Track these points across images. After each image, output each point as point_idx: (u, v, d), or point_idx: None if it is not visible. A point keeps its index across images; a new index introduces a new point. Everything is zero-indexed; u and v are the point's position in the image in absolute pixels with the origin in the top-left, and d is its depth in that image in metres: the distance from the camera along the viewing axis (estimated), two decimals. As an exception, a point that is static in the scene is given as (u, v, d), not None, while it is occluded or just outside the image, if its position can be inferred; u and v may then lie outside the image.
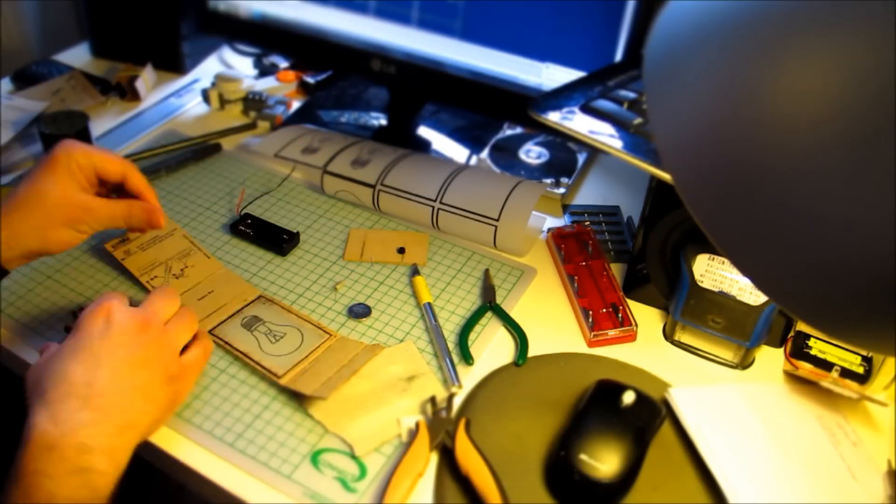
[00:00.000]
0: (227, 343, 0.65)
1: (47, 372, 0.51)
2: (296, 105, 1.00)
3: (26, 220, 0.60)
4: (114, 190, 0.66)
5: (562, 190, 0.86)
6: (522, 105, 0.65)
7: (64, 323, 0.67)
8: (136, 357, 0.53)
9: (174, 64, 1.06)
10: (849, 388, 0.60)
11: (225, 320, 0.67)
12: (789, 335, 0.65)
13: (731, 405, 0.61)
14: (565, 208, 0.85)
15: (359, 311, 0.69)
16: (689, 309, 0.66)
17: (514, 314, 0.70)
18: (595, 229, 0.79)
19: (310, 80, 1.04)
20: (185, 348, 0.58)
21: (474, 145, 0.93)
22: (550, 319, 0.70)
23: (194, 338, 0.59)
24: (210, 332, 0.66)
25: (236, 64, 1.11)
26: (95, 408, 0.50)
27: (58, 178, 0.61)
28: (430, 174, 0.80)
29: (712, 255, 0.65)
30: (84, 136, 0.85)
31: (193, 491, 0.58)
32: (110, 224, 0.64)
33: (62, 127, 0.83)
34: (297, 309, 0.69)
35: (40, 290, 0.70)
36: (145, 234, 0.74)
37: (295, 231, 0.77)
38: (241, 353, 0.64)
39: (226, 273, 0.72)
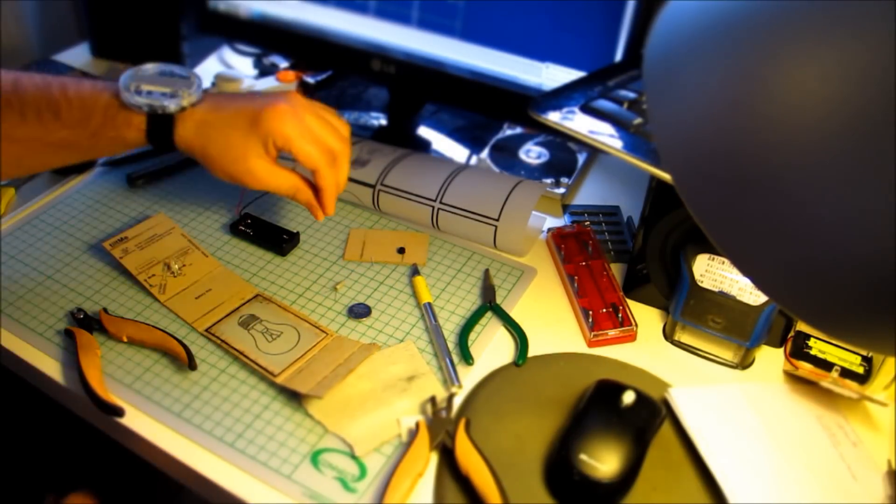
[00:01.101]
0: (223, 341, 0.65)
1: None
2: (296, 105, 1.00)
3: (205, 145, 0.64)
4: None
5: (562, 190, 0.86)
6: (522, 105, 0.65)
7: (64, 323, 0.67)
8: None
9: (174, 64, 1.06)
10: (849, 388, 0.60)
11: (222, 319, 0.67)
12: (789, 335, 0.65)
13: (731, 405, 0.61)
14: (565, 208, 0.85)
15: (359, 311, 0.69)
16: (689, 309, 0.66)
17: (514, 314, 0.70)
18: (595, 229, 0.79)
19: (310, 80, 1.04)
20: None
21: (474, 145, 0.93)
22: (550, 319, 0.70)
23: None
24: (207, 330, 0.66)
25: (236, 64, 1.11)
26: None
27: (251, 140, 0.63)
28: (430, 174, 0.80)
29: (712, 255, 0.65)
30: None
31: (193, 491, 0.58)
32: (275, 192, 0.67)
33: (62, 127, 0.83)
34: (294, 308, 0.69)
35: (40, 290, 0.70)
36: (143, 233, 0.74)
37: (295, 231, 0.77)
38: (237, 351, 0.64)
39: (224, 272, 0.72)
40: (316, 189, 0.67)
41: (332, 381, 0.60)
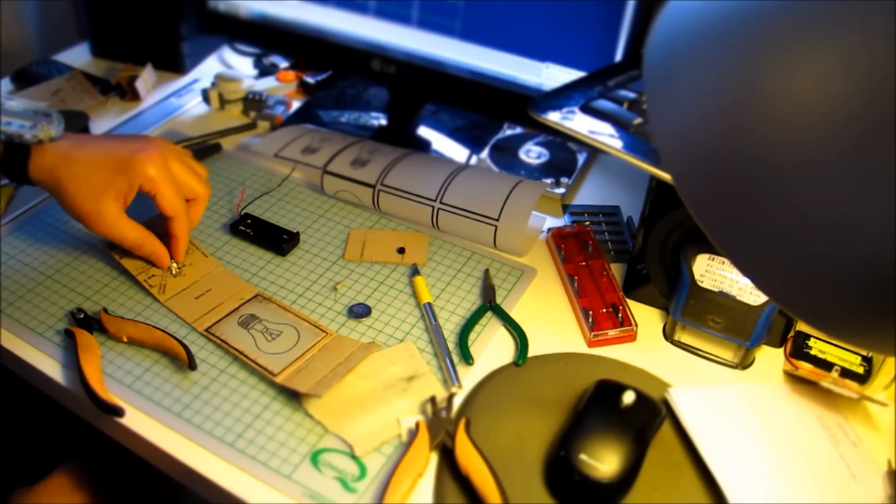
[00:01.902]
0: (223, 341, 0.65)
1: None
2: (296, 105, 1.00)
3: (63, 177, 0.65)
4: None
5: (562, 190, 0.86)
6: (522, 105, 0.65)
7: (64, 323, 0.67)
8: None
9: (174, 64, 1.06)
10: (849, 388, 0.60)
11: (222, 318, 0.67)
12: (789, 335, 0.65)
13: (731, 405, 0.61)
14: (565, 208, 0.85)
15: (359, 311, 0.69)
16: (689, 309, 0.66)
17: (514, 314, 0.70)
18: (595, 229, 0.79)
19: (310, 80, 1.04)
20: None
21: (474, 145, 0.93)
22: (550, 319, 0.70)
23: None
24: (207, 330, 0.66)
25: (236, 64, 1.11)
26: None
27: (115, 180, 0.65)
28: (430, 174, 0.80)
29: (712, 255, 0.65)
30: (84, 136, 0.84)
31: (193, 491, 0.58)
32: (118, 242, 0.68)
33: (62, 127, 0.83)
34: (293, 307, 0.69)
35: (40, 290, 0.70)
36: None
37: (295, 231, 0.77)
38: (237, 350, 0.64)
39: (224, 272, 0.72)
40: (166, 238, 0.70)
41: (332, 381, 0.60)
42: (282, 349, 0.64)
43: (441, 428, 0.57)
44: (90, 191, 0.64)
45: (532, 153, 0.92)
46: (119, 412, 0.58)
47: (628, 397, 0.57)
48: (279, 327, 0.66)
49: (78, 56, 1.09)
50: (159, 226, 0.70)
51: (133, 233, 0.67)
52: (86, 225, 0.66)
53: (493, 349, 0.67)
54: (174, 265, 0.71)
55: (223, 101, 0.98)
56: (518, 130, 0.96)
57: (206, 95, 0.99)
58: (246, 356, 0.63)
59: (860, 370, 0.62)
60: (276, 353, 0.64)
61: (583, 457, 0.54)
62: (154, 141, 0.68)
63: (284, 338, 0.65)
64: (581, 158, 0.91)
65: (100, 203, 0.65)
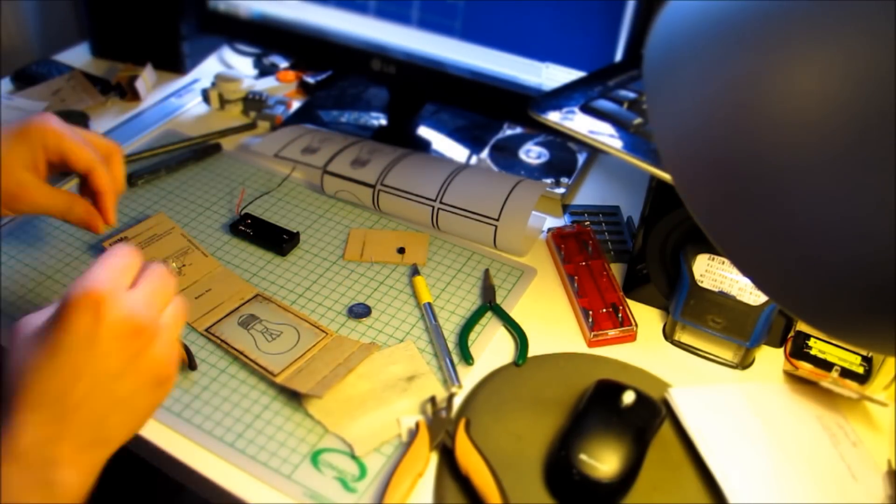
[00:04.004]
0: (223, 341, 0.65)
1: (22, 367, 0.44)
2: (296, 105, 1.00)
3: None
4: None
5: (562, 190, 0.86)
6: (522, 105, 0.65)
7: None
8: (123, 368, 0.45)
9: (174, 64, 1.06)
10: (849, 388, 0.60)
11: (222, 319, 0.67)
12: (789, 335, 0.65)
13: (731, 405, 0.61)
14: (565, 208, 0.85)
15: (359, 311, 0.69)
16: (689, 309, 0.66)
17: (514, 314, 0.70)
18: (595, 229, 0.79)
19: (310, 80, 1.04)
20: None
21: (474, 145, 0.93)
22: (550, 319, 0.70)
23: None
24: (207, 330, 0.66)
25: (236, 64, 1.11)
26: (67, 422, 0.44)
27: (15, 148, 0.59)
28: (430, 174, 0.80)
29: (712, 255, 0.65)
30: (84, 136, 0.84)
31: (193, 491, 0.58)
32: (47, 212, 0.62)
33: (62, 127, 0.83)
34: (294, 308, 0.69)
35: (40, 290, 0.70)
36: (143, 233, 0.74)
37: (295, 231, 0.77)
38: (237, 351, 0.64)
39: (224, 272, 0.72)
40: (94, 200, 0.64)
41: (332, 381, 0.60)
42: (282, 349, 0.64)
43: (441, 428, 0.57)
44: (1, 168, 0.59)
45: (532, 153, 0.92)
46: (119, 412, 0.58)
47: (628, 397, 0.57)
48: (279, 327, 0.66)
49: (78, 56, 1.09)
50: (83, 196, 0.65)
51: (59, 196, 0.62)
52: (6, 204, 0.60)
53: (493, 349, 0.67)
54: (174, 265, 0.71)
55: (223, 101, 0.98)
56: (518, 130, 0.96)
57: (206, 95, 0.99)
58: (246, 356, 0.63)
59: (860, 370, 0.62)
60: (276, 354, 0.64)
61: (583, 457, 0.54)
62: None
63: (284, 338, 0.65)
64: (581, 158, 0.91)
65: (15, 177, 0.59)
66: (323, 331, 0.66)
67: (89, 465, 0.45)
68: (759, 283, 0.38)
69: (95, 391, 0.44)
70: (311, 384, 0.60)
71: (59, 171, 0.63)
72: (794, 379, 0.64)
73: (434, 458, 0.57)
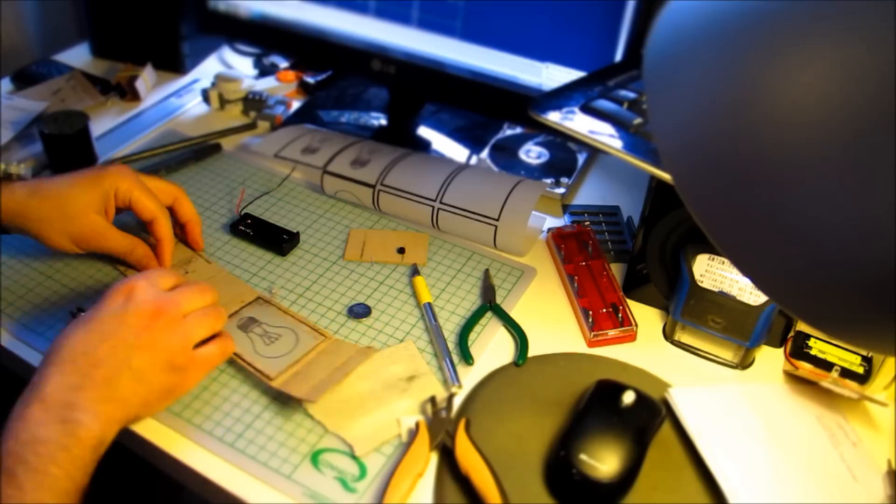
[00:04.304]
0: None
1: (59, 337, 0.54)
2: (296, 105, 1.00)
3: (40, 208, 0.65)
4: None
5: (562, 190, 0.86)
6: (522, 105, 0.65)
7: (64, 323, 0.67)
8: (140, 340, 0.54)
9: (174, 64, 1.06)
10: (849, 388, 0.60)
11: None
12: (789, 335, 0.65)
13: (731, 405, 0.61)
14: (565, 208, 0.85)
15: (359, 311, 0.69)
16: (689, 309, 0.66)
17: (514, 314, 0.70)
18: (595, 229, 0.79)
19: (310, 80, 1.04)
20: (204, 342, 0.58)
21: (474, 145, 0.93)
22: (550, 319, 0.70)
23: (216, 336, 0.59)
24: None
25: (236, 64, 1.11)
26: (87, 376, 0.52)
27: (92, 194, 0.65)
28: (430, 174, 0.80)
29: (712, 255, 0.65)
30: (84, 136, 0.84)
31: (193, 491, 0.58)
32: (110, 252, 0.68)
33: (62, 127, 0.83)
34: (293, 310, 0.69)
35: (40, 290, 0.70)
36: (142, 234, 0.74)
37: (295, 231, 0.77)
38: (234, 355, 0.63)
39: (226, 275, 0.72)
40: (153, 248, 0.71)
41: (328, 385, 0.60)
42: (280, 353, 0.64)
43: (441, 428, 0.57)
44: (72, 211, 0.65)
45: (532, 153, 0.92)
46: (119, 412, 0.58)
47: (628, 397, 0.57)
48: (278, 331, 0.66)
49: (78, 56, 1.09)
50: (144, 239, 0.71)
51: (123, 239, 0.68)
52: (76, 242, 0.66)
53: (493, 349, 0.67)
54: (175, 269, 0.71)
55: (223, 101, 0.98)
56: (518, 130, 0.96)
57: (206, 95, 0.99)
58: (243, 360, 0.63)
59: (860, 370, 0.62)
60: (273, 357, 0.63)
61: (583, 457, 0.54)
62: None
63: (283, 341, 0.65)
64: (581, 158, 0.91)
65: (86, 219, 0.65)
66: (321, 334, 0.66)
67: (105, 416, 0.51)
68: (759, 283, 0.38)
69: (114, 355, 0.53)
70: (307, 388, 0.60)
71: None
72: (794, 379, 0.64)
73: (434, 458, 0.57)
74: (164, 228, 0.69)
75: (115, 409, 0.52)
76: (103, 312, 0.54)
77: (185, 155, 0.88)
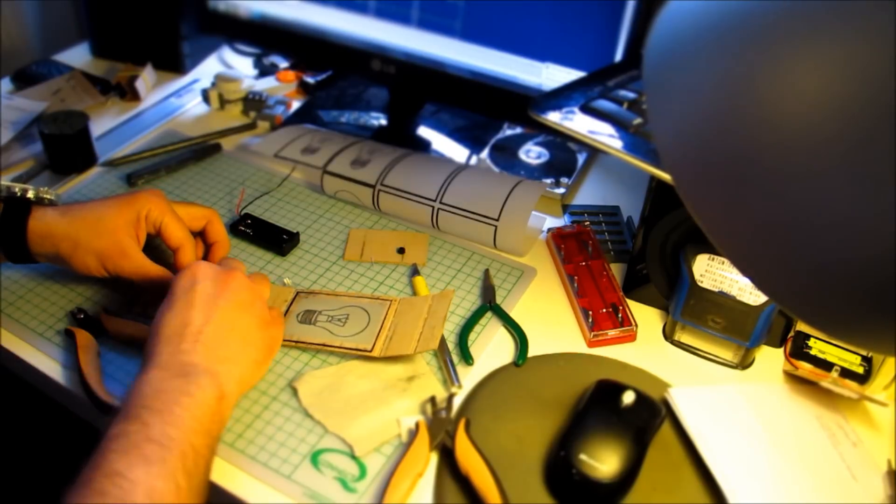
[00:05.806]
0: (298, 342, 0.64)
1: (154, 325, 0.56)
2: (296, 105, 1.00)
3: (70, 225, 0.64)
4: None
5: (562, 190, 0.86)
6: (522, 105, 0.65)
7: (64, 323, 0.67)
8: (233, 302, 0.57)
9: (174, 64, 1.06)
10: (849, 388, 0.60)
11: None
12: (789, 335, 0.65)
13: (731, 405, 0.61)
14: (565, 208, 0.85)
15: (359, 311, 0.69)
16: (689, 309, 0.66)
17: (514, 314, 0.70)
18: (595, 229, 0.79)
19: (310, 80, 1.04)
20: None
21: (474, 145, 0.93)
22: (550, 319, 0.70)
23: None
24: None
25: (236, 64, 1.11)
26: (196, 341, 0.54)
27: (123, 216, 0.65)
28: (430, 174, 0.80)
29: (712, 255, 0.65)
30: (84, 136, 0.85)
31: (193, 491, 0.58)
32: (132, 277, 0.66)
33: (62, 127, 0.83)
34: (341, 290, 0.69)
35: (40, 290, 0.70)
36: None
37: (295, 231, 0.77)
38: (319, 345, 0.64)
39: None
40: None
41: (434, 332, 0.62)
42: (358, 329, 0.64)
43: (441, 428, 0.57)
44: (103, 226, 0.64)
45: (532, 153, 0.92)
46: (119, 412, 0.58)
47: (628, 397, 0.57)
48: (341, 312, 0.66)
49: (78, 56, 1.09)
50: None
51: (149, 268, 0.66)
52: (103, 261, 0.64)
53: (493, 349, 0.67)
54: None
55: (223, 101, 0.98)
56: (518, 130, 0.96)
57: (206, 95, 0.99)
58: (332, 346, 0.63)
59: (860, 370, 0.62)
60: (355, 334, 0.64)
61: (583, 457, 0.54)
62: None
63: (354, 319, 0.65)
64: (581, 158, 0.91)
65: (115, 236, 0.64)
66: (385, 299, 0.67)
67: (224, 373, 0.54)
68: (759, 283, 0.38)
69: (215, 321, 0.55)
70: (414, 344, 0.61)
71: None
72: (794, 379, 0.64)
73: (434, 459, 0.57)
74: (189, 257, 0.68)
75: (231, 367, 0.55)
76: (181, 296, 0.57)
77: (184, 155, 0.88)
